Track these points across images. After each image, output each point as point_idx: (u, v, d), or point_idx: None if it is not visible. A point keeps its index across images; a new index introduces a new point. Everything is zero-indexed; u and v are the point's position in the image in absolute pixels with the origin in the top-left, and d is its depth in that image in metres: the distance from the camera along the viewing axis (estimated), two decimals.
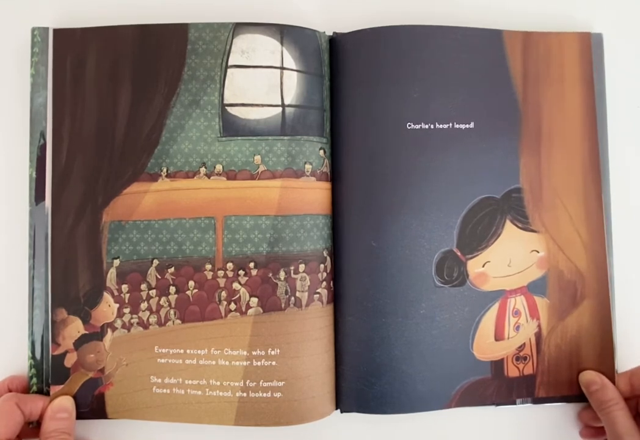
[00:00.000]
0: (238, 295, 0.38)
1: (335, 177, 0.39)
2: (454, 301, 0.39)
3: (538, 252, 0.40)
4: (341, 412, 0.39)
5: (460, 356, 0.39)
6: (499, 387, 0.39)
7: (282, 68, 0.38)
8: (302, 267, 0.38)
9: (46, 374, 0.38)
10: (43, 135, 0.38)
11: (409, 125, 0.38)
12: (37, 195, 0.38)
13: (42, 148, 0.38)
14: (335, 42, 0.40)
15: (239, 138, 0.38)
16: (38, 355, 0.38)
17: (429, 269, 0.39)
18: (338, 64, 0.39)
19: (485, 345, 0.39)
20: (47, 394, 0.38)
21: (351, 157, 0.39)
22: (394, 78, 0.39)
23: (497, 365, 0.39)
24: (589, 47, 0.40)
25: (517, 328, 0.40)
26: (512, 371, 0.39)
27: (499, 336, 0.39)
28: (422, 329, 0.38)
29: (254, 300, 0.38)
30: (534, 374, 0.39)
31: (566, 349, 0.40)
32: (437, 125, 0.39)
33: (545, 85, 0.40)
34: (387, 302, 0.38)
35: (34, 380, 0.38)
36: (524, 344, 0.40)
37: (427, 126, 0.39)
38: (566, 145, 0.40)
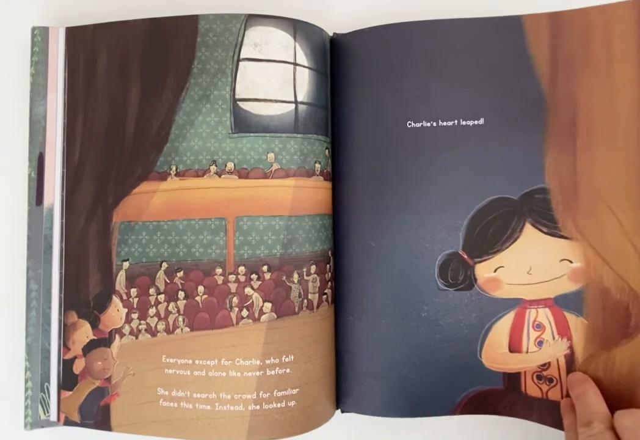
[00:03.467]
0: (250, 301, 0.36)
1: (334, 176, 0.39)
2: (460, 305, 0.37)
3: (571, 262, 0.35)
4: (342, 412, 0.38)
5: (467, 363, 0.36)
6: (514, 402, 0.36)
7: (295, 64, 0.37)
8: (313, 268, 0.36)
9: (42, 378, 0.37)
10: (42, 134, 0.38)
11: (410, 124, 0.37)
12: (37, 195, 0.38)
13: (41, 148, 0.38)
14: (336, 42, 0.39)
15: (252, 134, 0.36)
16: (33, 358, 0.37)
17: (431, 271, 0.37)
18: (338, 64, 0.39)
19: (497, 355, 0.36)
20: (42, 398, 0.37)
21: (350, 157, 0.38)
22: (393, 77, 0.37)
23: (512, 378, 0.36)
24: None
25: (540, 343, 0.36)
26: (531, 389, 0.36)
27: (514, 348, 0.36)
28: (424, 332, 0.37)
29: (268, 305, 0.36)
30: None
31: (611, 388, 0.34)
32: (440, 123, 0.37)
33: (583, 71, 0.35)
34: (387, 303, 0.37)
35: (29, 383, 0.37)
36: (549, 363, 0.36)
37: (428, 124, 0.37)
38: (616, 138, 0.34)
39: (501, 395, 0.36)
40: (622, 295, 0.34)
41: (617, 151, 0.35)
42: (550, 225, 0.36)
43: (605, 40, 0.35)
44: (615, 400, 0.33)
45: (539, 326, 0.36)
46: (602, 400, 0.33)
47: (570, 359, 0.36)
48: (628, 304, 0.34)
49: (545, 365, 0.36)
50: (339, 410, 0.38)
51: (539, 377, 0.36)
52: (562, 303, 0.36)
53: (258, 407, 0.35)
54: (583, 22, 0.36)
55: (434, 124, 0.37)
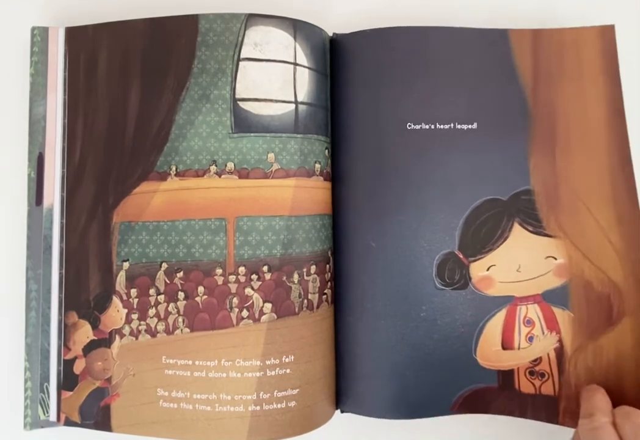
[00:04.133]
0: (251, 302, 0.36)
1: (334, 177, 0.39)
2: (456, 304, 0.37)
3: (555, 258, 0.37)
4: (341, 412, 0.38)
5: (462, 361, 0.37)
6: (509, 399, 0.37)
7: (295, 64, 0.37)
8: (313, 268, 0.36)
9: (41, 378, 0.37)
10: (42, 134, 0.38)
11: (409, 126, 0.38)
12: (37, 195, 0.38)
13: (41, 148, 0.38)
14: (336, 43, 0.39)
15: (252, 134, 0.36)
16: (33, 358, 0.37)
17: (429, 271, 0.37)
18: (338, 64, 0.39)
19: (491, 353, 0.37)
20: (42, 399, 0.36)
21: (350, 158, 0.38)
22: (394, 79, 0.38)
23: (505, 376, 0.37)
24: (614, 40, 0.39)
25: (530, 339, 0.37)
26: (525, 386, 0.37)
27: (506, 344, 0.37)
28: (422, 332, 0.37)
29: (268, 305, 0.35)
30: (556, 396, 0.36)
31: (601, 375, 0.36)
32: (437, 125, 0.38)
33: (560, 83, 0.38)
34: (387, 303, 0.37)
35: (29, 383, 0.37)
36: (540, 358, 0.37)
37: (427, 127, 0.38)
38: (589, 144, 0.38)
39: (496, 393, 0.37)
40: (603, 286, 0.36)
41: (590, 155, 0.38)
42: (535, 225, 0.37)
43: (576, 58, 0.39)
44: (606, 387, 0.35)
45: (529, 322, 0.37)
46: (609, 402, 0.33)
47: (560, 352, 0.37)
48: (609, 295, 0.36)
49: (537, 361, 0.37)
50: (338, 411, 0.38)
51: (532, 373, 0.37)
52: (550, 298, 0.37)
53: (258, 407, 0.35)
54: (559, 40, 0.39)
55: (432, 127, 0.38)
